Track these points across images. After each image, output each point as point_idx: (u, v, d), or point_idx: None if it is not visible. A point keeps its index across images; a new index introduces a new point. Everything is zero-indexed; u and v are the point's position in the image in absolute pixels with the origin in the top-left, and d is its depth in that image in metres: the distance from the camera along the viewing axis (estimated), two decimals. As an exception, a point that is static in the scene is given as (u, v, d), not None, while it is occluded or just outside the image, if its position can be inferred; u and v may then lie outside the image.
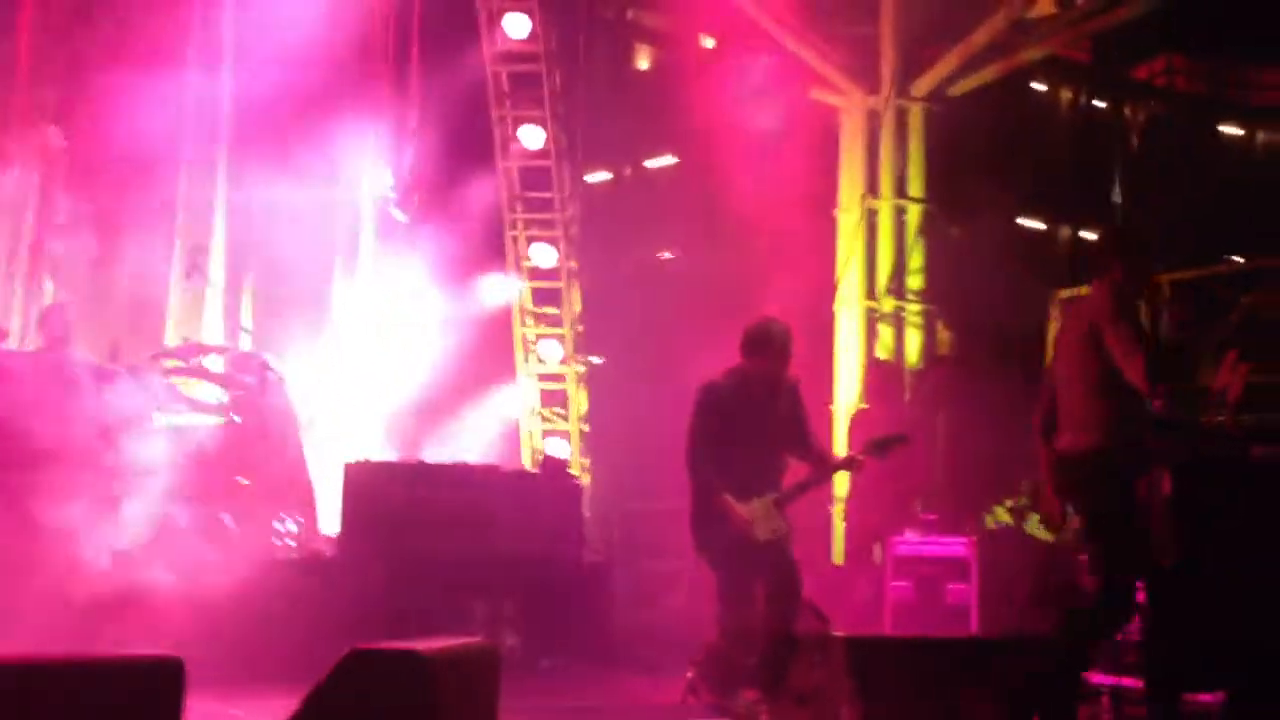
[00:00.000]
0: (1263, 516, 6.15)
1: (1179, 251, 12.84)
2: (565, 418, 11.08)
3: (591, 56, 12.30)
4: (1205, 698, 6.03)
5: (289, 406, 7.42)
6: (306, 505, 7.21)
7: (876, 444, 5.77)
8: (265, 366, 7.41)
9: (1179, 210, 14.65)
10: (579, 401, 11.07)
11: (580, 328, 11.09)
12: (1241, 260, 13.58)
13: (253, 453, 6.84)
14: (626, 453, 10.47)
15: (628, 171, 14.48)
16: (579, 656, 6.87)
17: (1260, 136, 19.61)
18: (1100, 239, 5.03)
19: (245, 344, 9.21)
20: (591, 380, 11.25)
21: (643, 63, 14.92)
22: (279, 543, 6.80)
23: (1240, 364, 7.15)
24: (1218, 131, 18.73)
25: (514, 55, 10.56)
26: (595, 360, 11.54)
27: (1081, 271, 12.42)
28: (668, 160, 14.36)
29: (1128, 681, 5.99)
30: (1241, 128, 19.23)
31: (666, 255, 14.10)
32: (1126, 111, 17.83)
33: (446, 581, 6.63)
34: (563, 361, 11.08)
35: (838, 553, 9.41)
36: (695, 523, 5.47)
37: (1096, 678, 5.96)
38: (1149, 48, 16.77)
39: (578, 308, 11.07)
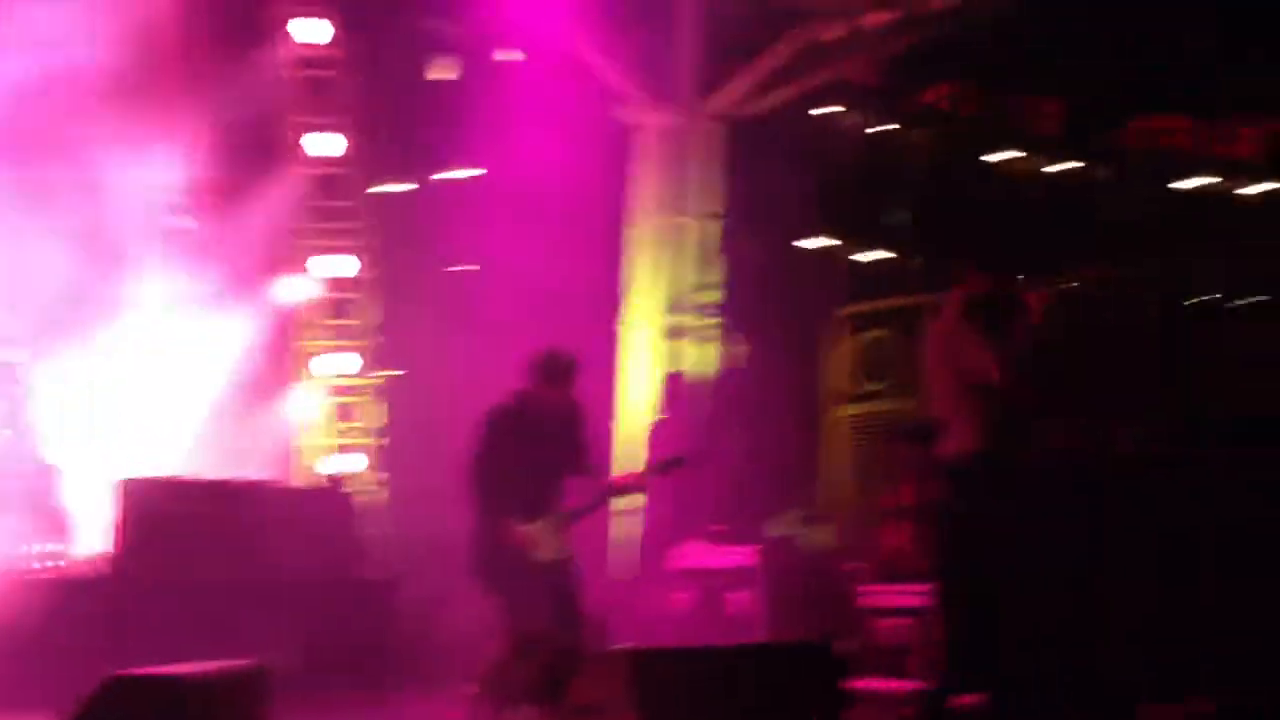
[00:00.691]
0: (1026, 521, 6.46)
1: (961, 272, 13.40)
2: (361, 432, 10.88)
3: (392, 65, 12.15)
4: (967, 699, 6.29)
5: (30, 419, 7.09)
6: (57, 524, 6.91)
7: (657, 466, 5.98)
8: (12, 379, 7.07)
9: (961, 233, 15.27)
10: (376, 415, 10.89)
11: (378, 340, 10.92)
12: (1020, 280, 14.26)
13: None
14: (425, 468, 10.35)
15: (428, 182, 14.32)
16: (358, 676, 6.74)
17: (1037, 164, 20.67)
18: (956, 250, 5.20)
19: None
20: (390, 394, 11.09)
21: (445, 73, 14.79)
22: (36, 565, 6.48)
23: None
24: (995, 156, 19.70)
25: (311, 60, 10.35)
26: (394, 373, 11.38)
27: (862, 289, 12.88)
28: (470, 172, 14.27)
29: (896, 684, 6.21)
30: (1018, 151, 20.25)
31: (467, 268, 14.00)
32: (913, 135, 18.58)
33: (220, 601, 6.44)
34: (359, 374, 10.88)
35: (622, 565, 9.48)
36: (476, 544, 5.57)
37: (859, 681, 6.15)
38: (935, 74, 17.48)
39: (375, 319, 10.90)
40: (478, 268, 13.63)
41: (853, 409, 10.66)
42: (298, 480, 9.96)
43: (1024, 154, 20.57)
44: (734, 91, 11.14)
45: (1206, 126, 20.89)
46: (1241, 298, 10.61)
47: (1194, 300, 9.95)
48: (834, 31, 11.20)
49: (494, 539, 5.49)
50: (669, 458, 6.08)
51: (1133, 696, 4.48)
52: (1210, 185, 19.68)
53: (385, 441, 10.84)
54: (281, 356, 10.51)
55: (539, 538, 5.50)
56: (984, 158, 18.84)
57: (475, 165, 13.82)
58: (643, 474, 6.05)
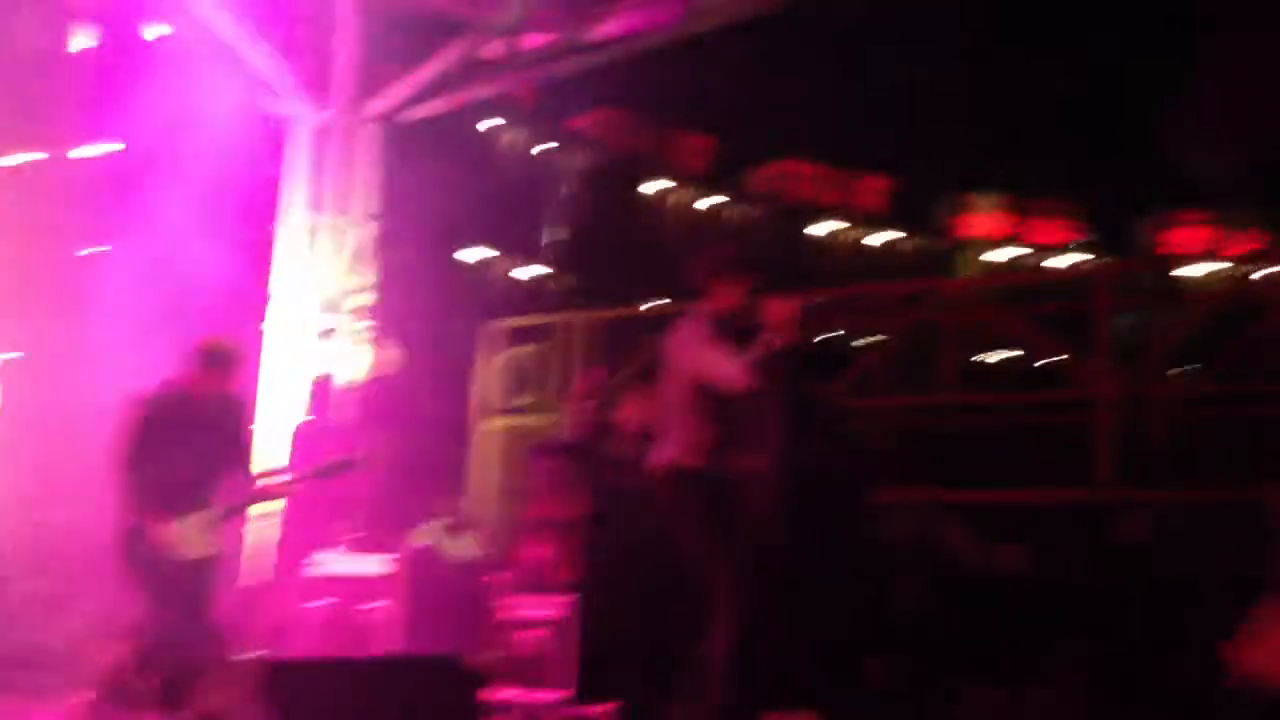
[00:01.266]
0: (650, 539, 6.74)
1: (604, 293, 13.85)
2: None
3: (23, 30, 11.26)
4: (602, 708, 6.49)
5: None
6: None
7: (321, 469, 5.84)
8: None
9: (608, 254, 15.76)
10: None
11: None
12: (652, 305, 14.84)
13: None
14: (41, 461, 9.62)
15: (58, 158, 13.34)
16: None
17: (679, 193, 21.65)
18: (694, 263, 5.16)
19: None
20: (5, 380, 10.24)
21: (84, 43, 13.85)
22: None
23: (639, 400, 7.82)
24: (642, 185, 20.46)
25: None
26: (9, 356, 10.51)
27: (517, 303, 13.10)
28: (106, 148, 13.40)
29: (533, 694, 6.33)
30: (665, 182, 21.12)
31: (98, 249, 13.13)
32: (567, 157, 19.03)
33: None
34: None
35: (256, 570, 9.16)
36: (124, 539, 5.30)
37: (497, 692, 6.23)
38: (591, 100, 18.03)
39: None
40: (109, 249, 12.84)
41: (502, 422, 10.77)
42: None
43: (673, 185, 21.48)
44: (395, 96, 11.04)
45: (836, 175, 22.54)
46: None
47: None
48: (494, 49, 11.30)
49: (139, 533, 5.24)
50: (337, 460, 5.93)
51: (756, 708, 4.75)
52: (839, 230, 21.26)
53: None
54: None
55: (187, 534, 5.27)
56: (637, 187, 19.59)
57: (112, 142, 13.02)
58: (305, 475, 5.88)
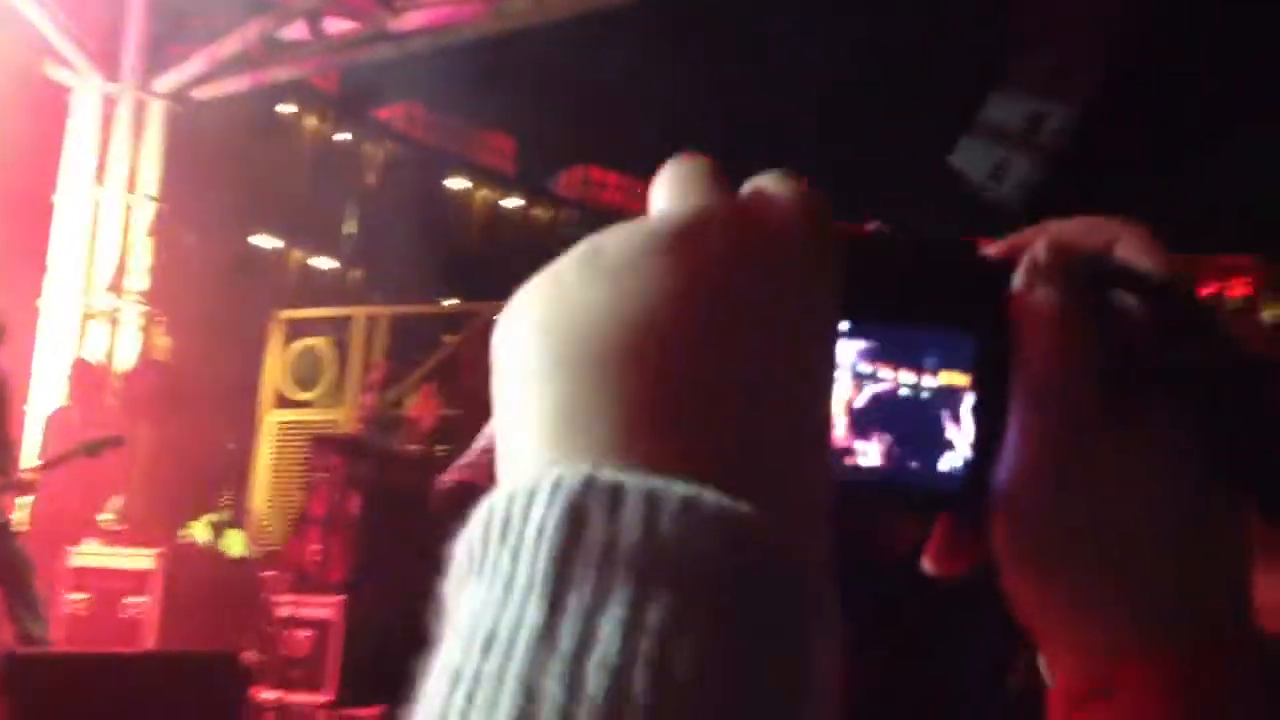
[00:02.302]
0: (433, 543, 6.68)
1: (403, 289, 13.64)
2: None
3: None
4: (365, 711, 6.39)
5: None
6: None
7: (88, 446, 5.66)
8: None
9: (405, 249, 15.54)
10: None
11: None
12: (452, 302, 14.70)
13: None
14: None
15: None
16: None
17: (481, 193, 21.50)
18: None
19: None
20: None
21: None
22: None
23: (434, 396, 7.75)
24: (445, 181, 20.23)
25: None
26: None
27: (304, 294, 12.77)
28: None
29: (295, 695, 6.18)
30: (466, 181, 20.96)
31: None
32: (367, 148, 18.67)
33: None
34: None
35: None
36: None
37: (264, 692, 6.07)
38: (394, 92, 17.72)
39: None
40: None
41: (284, 414, 10.49)
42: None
43: (472, 184, 21.30)
44: (189, 71, 10.65)
45: (641, 184, 22.84)
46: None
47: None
48: (297, 30, 11.02)
49: None
50: (103, 437, 5.77)
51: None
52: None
53: None
54: None
55: None
56: (439, 182, 19.34)
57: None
58: (69, 454, 5.70)
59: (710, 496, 0.35)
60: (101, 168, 10.22)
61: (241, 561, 7.84)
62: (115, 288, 10.09)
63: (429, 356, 10.28)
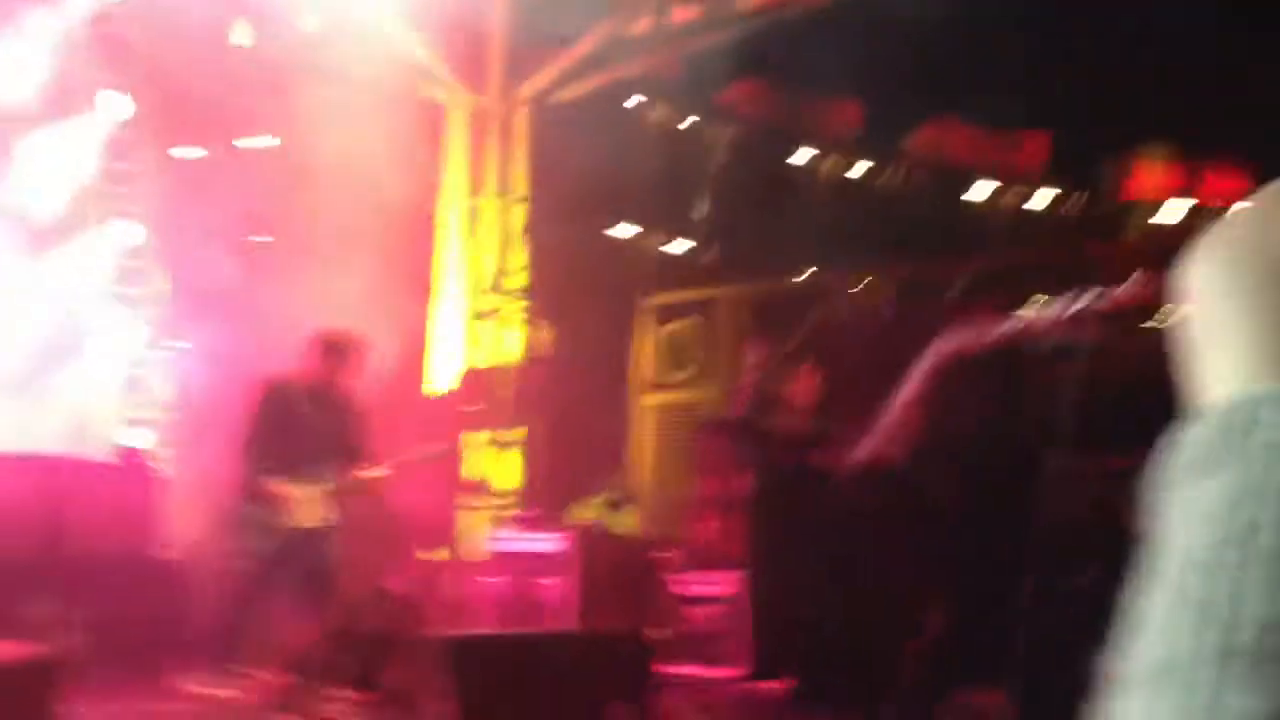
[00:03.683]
0: (820, 517, 6.69)
1: (758, 268, 13.75)
2: (148, 405, 10.41)
3: (188, 25, 11.62)
4: (775, 684, 6.48)
5: None
6: None
7: (426, 454, 6.23)
8: None
9: (757, 229, 15.67)
10: (164, 388, 10.44)
11: (164, 310, 10.47)
12: (808, 275, 14.69)
13: None
14: (215, 444, 9.98)
15: (221, 149, 13.76)
16: (155, 659, 6.44)
17: (828, 162, 21.40)
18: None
19: None
20: (179, 367, 10.64)
21: (242, 37, 14.25)
22: None
23: (812, 373, 7.75)
24: (790, 156, 20.26)
25: (103, 16, 9.81)
26: (182, 345, 10.91)
27: (667, 280, 13.09)
28: (266, 141, 13.78)
29: (706, 670, 6.35)
30: (812, 151, 20.91)
31: (262, 239, 13.52)
32: (712, 132, 18.93)
33: (8, 583, 6.06)
34: (146, 346, 10.41)
35: (435, 547, 9.36)
36: (237, 505, 5.68)
37: (674, 668, 6.27)
38: (733, 73, 17.83)
39: (163, 288, 10.45)
40: (271, 240, 13.22)
41: (657, 398, 10.82)
42: (91, 454, 9.46)
43: (818, 154, 21.26)
44: (544, 78, 11.13)
45: (992, 135, 22.11)
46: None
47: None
48: (641, 25, 11.30)
49: (251, 496, 5.61)
50: (436, 448, 6.38)
51: (934, 686, 4.69)
52: (999, 193, 20.83)
53: (173, 415, 10.40)
54: (68, 326, 9.97)
55: (303, 499, 5.61)
56: (783, 159, 19.38)
57: (271, 133, 13.38)
58: (403, 461, 6.27)
59: None
60: (476, 175, 10.83)
61: (639, 541, 8.13)
62: (496, 288, 10.68)
63: (792, 332, 10.31)
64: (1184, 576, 0.36)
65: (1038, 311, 4.80)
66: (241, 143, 13.74)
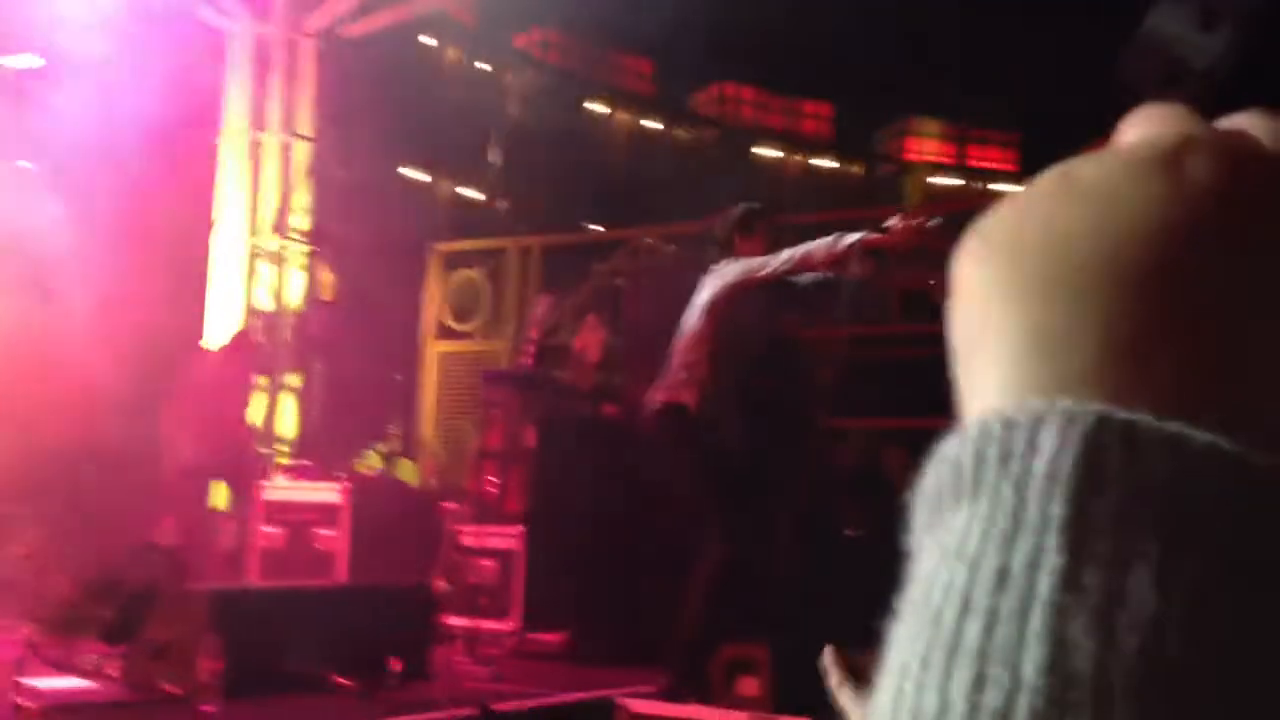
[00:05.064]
0: (607, 472, 6.76)
1: (550, 217, 13.72)
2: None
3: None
4: (549, 636, 6.53)
5: None
6: None
7: None
8: None
9: (550, 177, 15.60)
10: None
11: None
12: (599, 229, 14.74)
13: None
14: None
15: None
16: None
17: (620, 116, 21.44)
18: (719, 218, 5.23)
19: None
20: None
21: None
22: None
23: (599, 327, 7.79)
24: (584, 107, 20.24)
25: None
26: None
27: (458, 227, 12.92)
28: (30, 60, 12.93)
29: (482, 623, 6.34)
30: (606, 106, 20.92)
31: (26, 165, 12.72)
32: (507, 77, 18.71)
33: None
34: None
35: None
36: None
37: (452, 620, 6.24)
38: (529, 18, 17.67)
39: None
40: (33, 166, 12.45)
41: (444, 346, 10.69)
42: None
43: (612, 108, 21.24)
44: (335, 9, 10.78)
45: (777, 100, 22.49)
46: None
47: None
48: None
49: None
50: None
51: (704, 637, 4.79)
52: (786, 156, 21.21)
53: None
54: None
55: None
56: (577, 109, 19.30)
57: (36, 53, 12.57)
58: None
59: (1228, 445, 0.33)
60: (260, 109, 10.42)
61: (420, 492, 8.03)
62: (279, 228, 10.33)
63: (580, 285, 10.33)
64: (957, 621, 0.32)
65: (806, 247, 4.91)
66: (4, 61, 12.88)
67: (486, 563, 6.48)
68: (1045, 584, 0.32)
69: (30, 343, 7.68)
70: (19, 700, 4.43)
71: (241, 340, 8.79)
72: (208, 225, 10.16)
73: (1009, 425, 0.34)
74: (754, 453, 4.91)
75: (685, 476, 5.11)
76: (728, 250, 5.17)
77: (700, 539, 4.93)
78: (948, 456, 0.35)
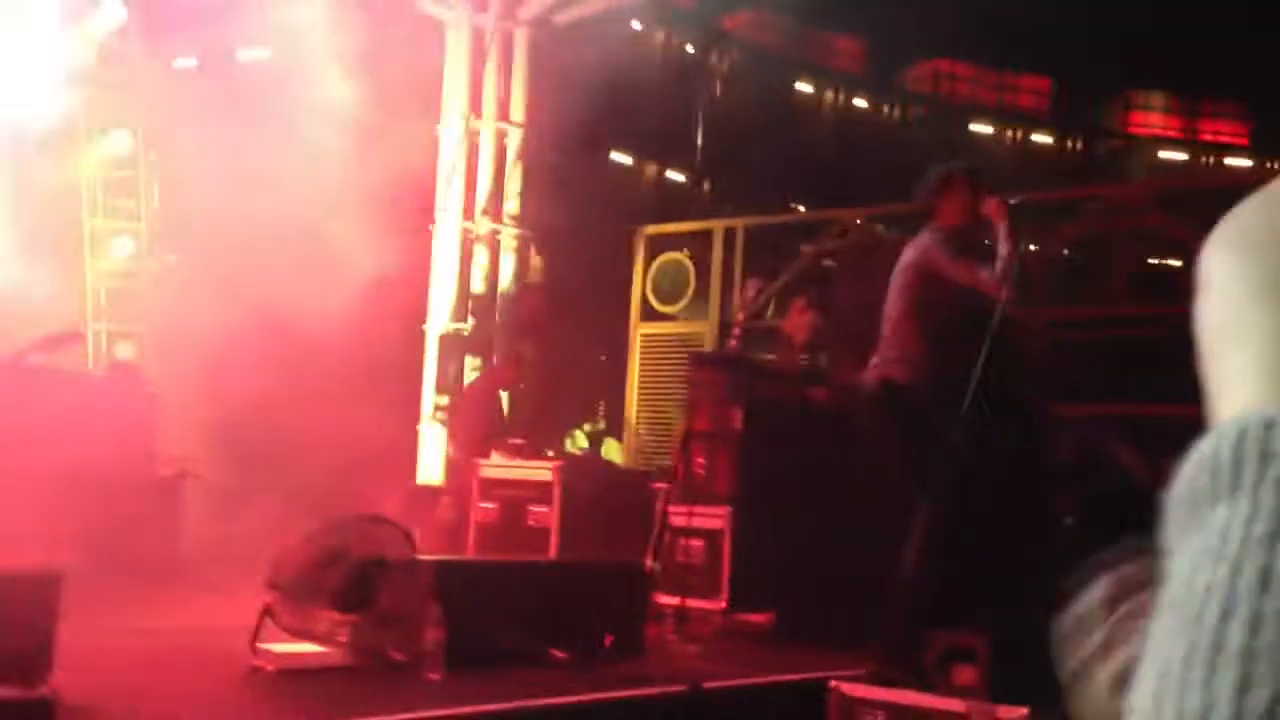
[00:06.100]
0: (815, 453, 6.73)
1: (754, 199, 13.71)
2: (135, 319, 10.36)
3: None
4: (756, 617, 6.55)
5: None
6: None
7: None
8: None
9: (755, 158, 15.57)
10: (151, 302, 10.39)
11: (156, 224, 10.39)
12: (804, 210, 14.64)
13: None
14: (199, 358, 9.94)
15: (215, 62, 13.57)
16: (146, 576, 6.48)
17: (828, 96, 21.24)
18: (925, 182, 5.21)
19: None
20: (164, 281, 10.58)
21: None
22: None
23: (807, 309, 7.74)
24: (792, 87, 20.09)
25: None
26: (169, 259, 10.85)
27: (662, 210, 13.03)
28: (260, 54, 13.58)
29: (691, 602, 6.41)
30: (813, 86, 20.75)
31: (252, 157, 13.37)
32: (713, 59, 18.75)
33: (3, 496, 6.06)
34: (136, 259, 10.35)
35: (426, 472, 9.40)
36: None
37: (663, 598, 6.32)
38: (741, 1, 17.69)
39: (156, 203, 10.36)
40: (268, 158, 13.07)
41: (650, 328, 10.81)
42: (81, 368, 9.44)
43: (819, 88, 21.08)
44: (548, -1, 10.97)
45: (993, 75, 21.88)
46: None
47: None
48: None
49: None
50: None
51: (917, 622, 4.73)
52: (1002, 132, 20.62)
53: (158, 330, 10.34)
54: (61, 238, 9.89)
55: None
56: (787, 88, 19.21)
57: (265, 46, 13.18)
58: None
59: None
60: (475, 97, 10.69)
61: (626, 472, 8.15)
62: (492, 213, 10.61)
63: (787, 265, 10.28)
64: (1220, 622, 0.32)
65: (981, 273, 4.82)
66: (238, 55, 13.57)
67: (694, 542, 6.54)
68: None
69: (262, 335, 8.08)
70: (256, 662, 4.70)
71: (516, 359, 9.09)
72: (430, 213, 10.49)
73: (1269, 425, 0.34)
74: (971, 436, 4.81)
75: (897, 457, 5.05)
76: (930, 217, 5.10)
77: (911, 522, 4.87)
78: (1205, 456, 0.35)
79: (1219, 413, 0.37)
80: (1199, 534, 0.34)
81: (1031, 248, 6.61)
